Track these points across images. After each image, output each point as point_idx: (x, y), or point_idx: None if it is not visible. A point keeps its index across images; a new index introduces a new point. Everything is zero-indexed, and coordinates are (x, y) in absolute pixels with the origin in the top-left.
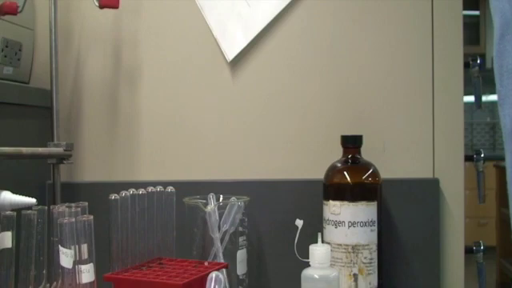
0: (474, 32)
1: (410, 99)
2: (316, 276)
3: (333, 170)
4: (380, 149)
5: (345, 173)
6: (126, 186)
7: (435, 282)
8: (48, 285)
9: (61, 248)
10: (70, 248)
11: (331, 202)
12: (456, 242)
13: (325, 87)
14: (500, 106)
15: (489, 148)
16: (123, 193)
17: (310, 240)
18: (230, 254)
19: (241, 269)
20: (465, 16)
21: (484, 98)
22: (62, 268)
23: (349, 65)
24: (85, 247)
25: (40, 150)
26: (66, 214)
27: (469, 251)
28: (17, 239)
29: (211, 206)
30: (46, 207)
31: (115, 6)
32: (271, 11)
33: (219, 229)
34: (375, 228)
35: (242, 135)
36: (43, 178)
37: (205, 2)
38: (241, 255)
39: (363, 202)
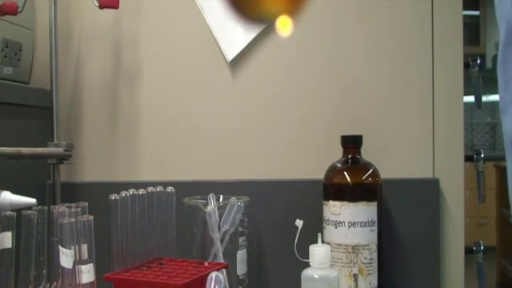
0: (474, 32)
1: (410, 99)
2: (316, 276)
3: (333, 170)
4: (380, 149)
5: (345, 173)
6: (126, 186)
7: (435, 282)
8: (48, 285)
9: (61, 248)
10: (69, 248)
11: (331, 202)
12: (456, 241)
13: (325, 87)
14: (502, 112)
15: (489, 148)
16: (123, 193)
17: (310, 240)
18: (230, 254)
19: (241, 269)
20: (465, 16)
21: (484, 98)
22: (62, 268)
23: (349, 65)
24: (85, 247)
25: (40, 149)
26: (66, 214)
27: (469, 251)
28: (17, 239)
29: (211, 206)
30: (46, 207)
31: (115, 6)
32: None
33: (219, 229)
34: (375, 228)
35: (242, 135)
36: (43, 178)
37: (205, 2)
38: (241, 255)
39: (363, 202)
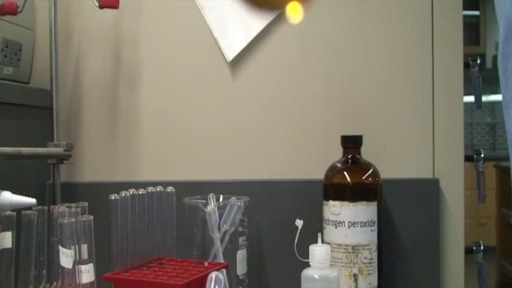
0: (474, 32)
1: (410, 99)
2: (316, 276)
3: (333, 170)
4: (380, 149)
5: (345, 173)
6: (126, 186)
7: (435, 283)
8: (48, 285)
9: (61, 248)
10: (69, 248)
11: (331, 202)
12: (456, 242)
13: (325, 87)
14: (505, 111)
15: (489, 148)
16: (123, 193)
17: (310, 240)
18: (230, 254)
19: (241, 269)
20: (465, 16)
21: (484, 98)
22: (62, 268)
23: (349, 65)
24: (85, 247)
25: (40, 150)
26: (66, 214)
27: (469, 251)
28: (17, 239)
29: (211, 206)
30: (46, 207)
31: (115, 6)
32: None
33: (219, 229)
34: (375, 228)
35: (242, 135)
36: (43, 178)
37: (205, 2)
38: (241, 255)
39: (363, 202)
